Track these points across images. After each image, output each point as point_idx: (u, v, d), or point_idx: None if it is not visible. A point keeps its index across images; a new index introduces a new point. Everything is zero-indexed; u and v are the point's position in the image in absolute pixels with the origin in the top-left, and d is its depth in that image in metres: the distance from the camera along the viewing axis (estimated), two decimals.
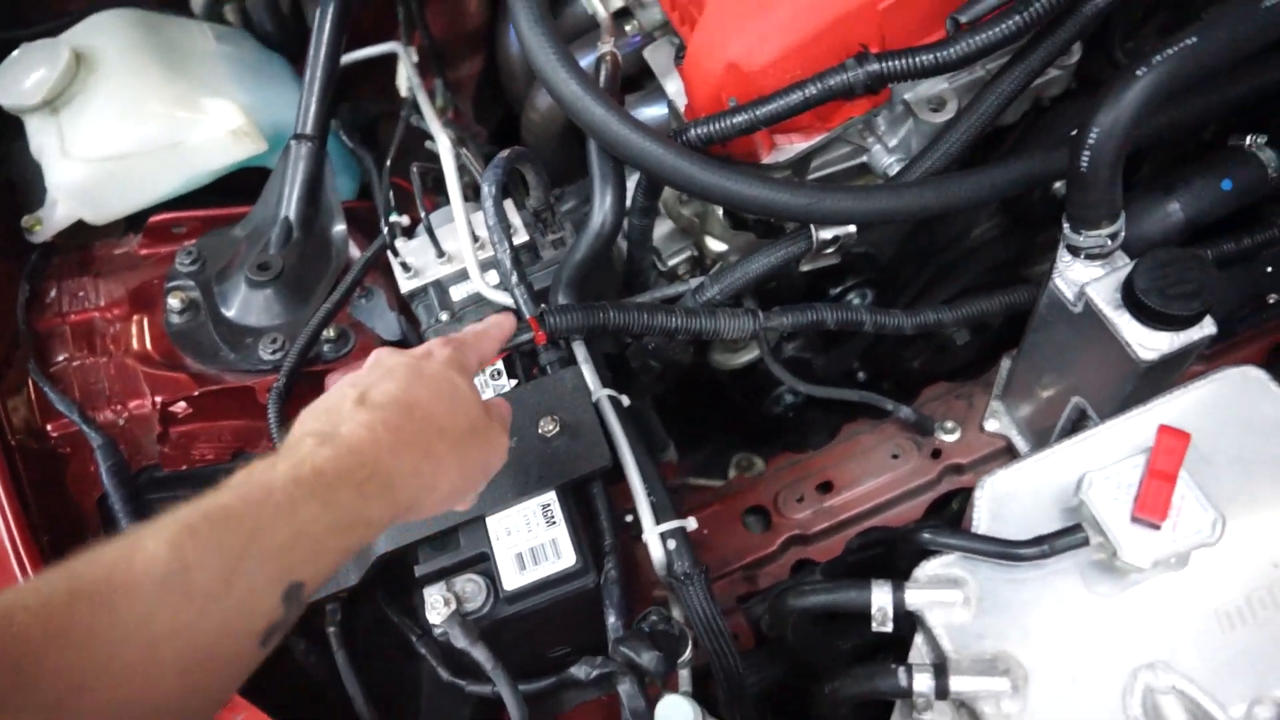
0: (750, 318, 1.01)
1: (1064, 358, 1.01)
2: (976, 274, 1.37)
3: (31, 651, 0.42)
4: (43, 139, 1.11)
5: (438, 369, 0.70)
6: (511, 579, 0.82)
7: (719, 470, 1.61)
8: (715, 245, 1.12)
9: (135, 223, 1.19)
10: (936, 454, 1.23)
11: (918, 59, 0.86)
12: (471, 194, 1.14)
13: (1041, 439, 1.15)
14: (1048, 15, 0.85)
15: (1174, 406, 0.79)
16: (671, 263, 1.21)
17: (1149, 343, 0.85)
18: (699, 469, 1.59)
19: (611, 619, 0.83)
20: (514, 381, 0.95)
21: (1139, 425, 0.78)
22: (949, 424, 1.24)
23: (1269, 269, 1.22)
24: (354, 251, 1.17)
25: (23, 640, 0.42)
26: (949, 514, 1.27)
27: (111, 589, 0.45)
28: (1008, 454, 1.21)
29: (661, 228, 1.20)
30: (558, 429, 0.87)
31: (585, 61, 1.17)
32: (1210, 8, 1.04)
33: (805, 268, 1.07)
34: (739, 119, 0.90)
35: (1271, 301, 1.16)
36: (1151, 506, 0.69)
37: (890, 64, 0.87)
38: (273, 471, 0.55)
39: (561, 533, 0.83)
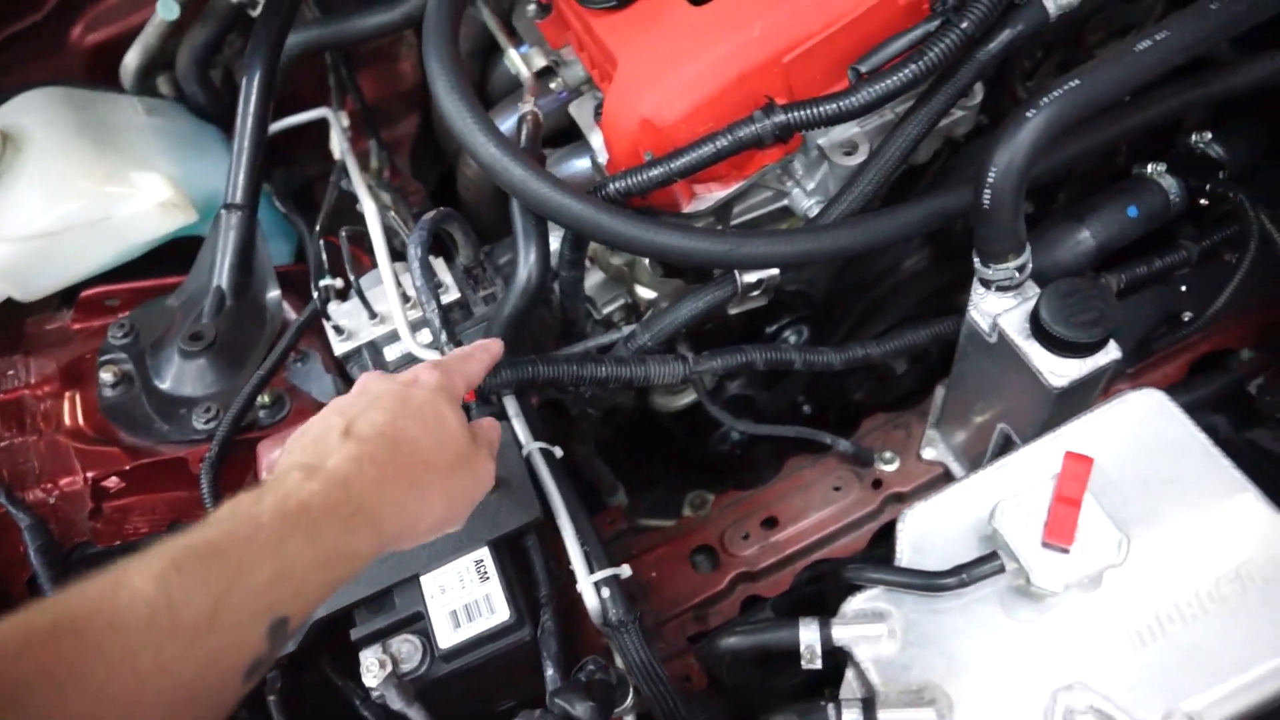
0: (680, 363, 1.03)
1: (987, 386, 1.04)
2: (910, 304, 1.40)
3: (15, 690, 0.41)
4: None
5: (425, 397, 0.71)
6: (446, 637, 0.82)
7: (673, 509, 1.61)
8: (645, 293, 1.14)
9: (68, 296, 1.19)
10: (877, 484, 1.26)
11: (821, 109, 0.89)
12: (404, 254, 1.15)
13: (977, 464, 1.18)
14: (942, 63, 0.89)
15: (1080, 432, 0.81)
16: (606, 310, 1.23)
17: (1059, 370, 0.88)
18: (653, 509, 1.59)
19: (549, 671, 0.84)
20: None
21: (1048, 451, 0.80)
22: (888, 454, 1.26)
23: (1183, 288, 1.27)
24: (291, 315, 1.18)
25: (6, 679, 0.42)
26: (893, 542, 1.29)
27: (97, 626, 0.45)
28: (946, 480, 1.24)
29: (594, 277, 1.22)
30: None
31: (511, 120, 1.20)
32: (1100, 47, 1.10)
33: (734, 310, 1.09)
34: (655, 172, 0.93)
35: (1186, 319, 1.20)
36: (1059, 531, 0.71)
37: (796, 114, 0.90)
38: (259, 505, 0.56)
39: (495, 588, 0.84)
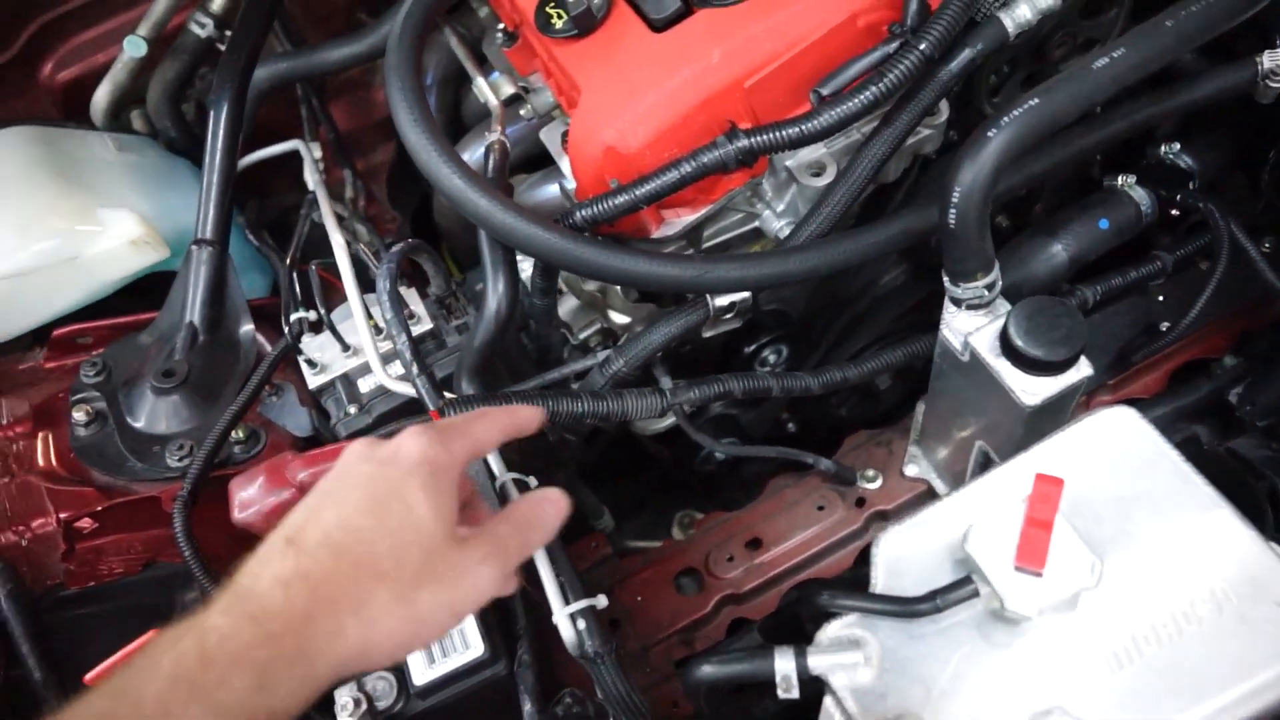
0: (658, 397, 1.02)
1: (962, 404, 1.04)
2: (889, 320, 1.40)
3: None
4: None
5: (394, 481, 0.60)
6: (421, 674, 0.82)
7: (662, 530, 1.60)
8: (619, 318, 1.14)
9: (40, 335, 1.19)
10: (861, 502, 1.25)
11: (783, 132, 0.89)
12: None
13: (959, 481, 1.17)
14: (902, 84, 0.88)
15: (1051, 452, 0.81)
16: (582, 336, 1.23)
17: (1030, 388, 0.88)
18: (642, 531, 1.58)
19: (527, 706, 0.83)
20: None
21: (1019, 472, 0.80)
22: (870, 472, 1.25)
23: (1160, 298, 1.27)
24: (266, 349, 1.17)
25: None
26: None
27: None
28: (930, 497, 1.23)
29: (570, 303, 1.22)
30: None
31: (481, 149, 1.20)
32: (1064, 62, 1.11)
33: (708, 334, 1.09)
34: (620, 200, 0.92)
35: (1164, 329, 1.20)
36: (1031, 555, 0.71)
37: (758, 139, 0.90)
38: (156, 669, 0.50)
39: (469, 622, 0.83)
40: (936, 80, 0.93)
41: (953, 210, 0.88)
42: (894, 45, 0.89)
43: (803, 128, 0.89)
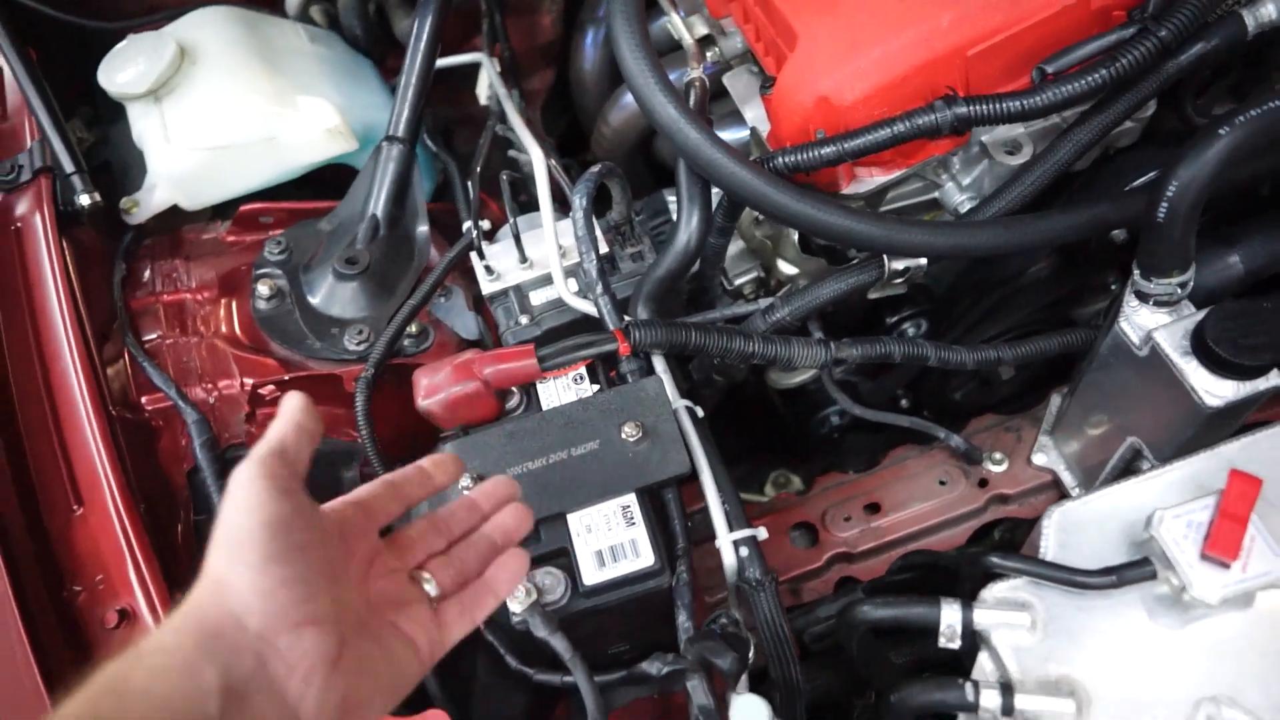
0: (823, 348, 1.05)
1: (1122, 399, 1.04)
2: (1027, 311, 1.40)
3: None
4: (145, 126, 1.15)
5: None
6: (590, 574, 0.85)
7: (756, 486, 1.63)
8: (786, 268, 1.16)
9: (220, 210, 1.23)
10: (983, 483, 1.26)
11: (1005, 105, 0.90)
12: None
13: (1089, 475, 1.18)
14: (1133, 71, 0.88)
15: (1243, 452, 0.82)
16: (738, 282, 1.25)
17: (1215, 390, 0.88)
18: (737, 484, 1.61)
19: (683, 619, 0.87)
20: (596, 386, 0.98)
21: (1208, 468, 0.81)
22: (997, 455, 1.27)
23: None
24: (434, 252, 1.21)
25: None
26: (990, 541, 1.30)
27: None
28: (1054, 488, 1.24)
29: (734, 247, 1.24)
30: (640, 434, 0.90)
31: None
32: None
33: (873, 296, 1.10)
34: (827, 150, 0.94)
35: None
36: (1223, 545, 0.72)
37: (978, 108, 0.90)
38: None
39: (641, 533, 0.86)
40: (1161, 72, 0.93)
41: (1164, 205, 0.88)
42: (1131, 30, 0.89)
43: (1024, 102, 0.90)
